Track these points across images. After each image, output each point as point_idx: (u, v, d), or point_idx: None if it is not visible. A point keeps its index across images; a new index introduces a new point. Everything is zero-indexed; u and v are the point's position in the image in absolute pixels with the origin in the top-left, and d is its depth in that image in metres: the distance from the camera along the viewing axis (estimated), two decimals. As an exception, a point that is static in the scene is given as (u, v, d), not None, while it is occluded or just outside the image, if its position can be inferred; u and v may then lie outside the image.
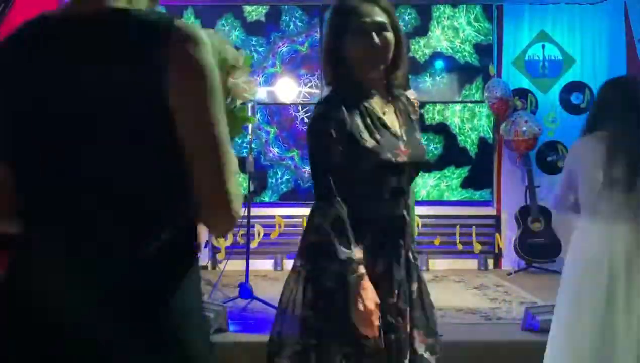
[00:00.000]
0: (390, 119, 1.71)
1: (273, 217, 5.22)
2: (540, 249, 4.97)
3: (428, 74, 5.38)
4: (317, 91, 5.31)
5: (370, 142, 1.62)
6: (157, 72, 0.92)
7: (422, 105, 5.35)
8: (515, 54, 5.38)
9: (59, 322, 0.93)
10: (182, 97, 0.93)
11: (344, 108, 1.63)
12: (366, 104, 1.68)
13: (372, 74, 1.69)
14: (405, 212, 1.70)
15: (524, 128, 4.99)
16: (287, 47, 5.36)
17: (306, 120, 5.24)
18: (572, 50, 5.36)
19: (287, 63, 5.33)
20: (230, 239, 5.18)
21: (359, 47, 1.65)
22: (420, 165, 1.79)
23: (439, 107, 5.38)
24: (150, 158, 0.95)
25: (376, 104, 1.70)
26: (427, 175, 5.35)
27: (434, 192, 5.39)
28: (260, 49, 5.34)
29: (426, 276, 4.90)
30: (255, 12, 5.33)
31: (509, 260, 5.27)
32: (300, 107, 5.32)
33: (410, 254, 1.73)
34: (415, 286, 1.73)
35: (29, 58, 0.98)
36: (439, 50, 5.37)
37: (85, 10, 0.98)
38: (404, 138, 1.70)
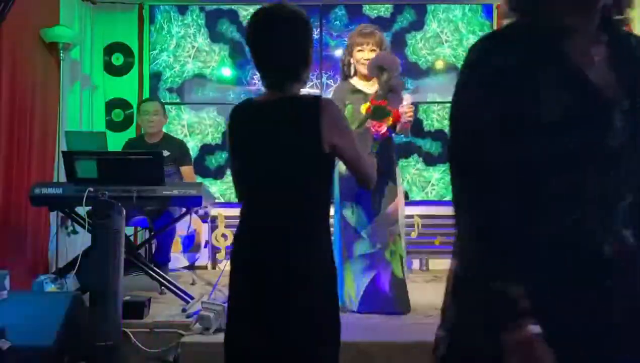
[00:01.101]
0: (601, 73, 1.06)
1: (273, 217, 5.22)
2: (540, 249, 4.97)
3: (427, 75, 5.38)
4: (318, 91, 5.31)
5: (553, 111, 1.01)
6: (318, 125, 1.69)
7: (417, 106, 5.36)
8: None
9: (258, 255, 1.74)
10: (335, 136, 1.72)
11: (520, 49, 1.04)
12: (563, 47, 1.06)
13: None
14: (625, 234, 1.03)
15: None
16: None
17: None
18: (572, 50, 5.37)
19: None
20: (230, 239, 5.19)
21: None
22: None
23: (437, 114, 5.36)
24: (314, 175, 1.75)
25: (579, 46, 1.07)
26: (431, 168, 5.35)
27: (439, 184, 5.38)
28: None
29: (426, 276, 4.89)
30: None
31: (509, 260, 5.27)
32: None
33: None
34: None
35: (250, 121, 1.81)
36: (437, 50, 5.37)
37: (277, 96, 1.78)
38: (624, 106, 1.04)
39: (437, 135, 5.37)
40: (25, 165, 4.06)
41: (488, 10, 5.37)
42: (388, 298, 3.57)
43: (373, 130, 3.25)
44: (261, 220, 1.76)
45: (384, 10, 5.37)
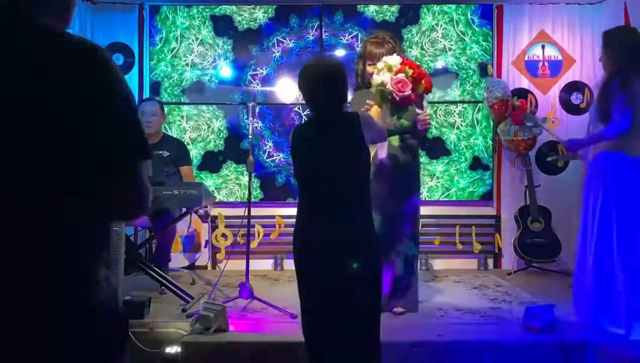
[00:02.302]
0: None
1: (273, 217, 5.22)
2: (540, 249, 4.97)
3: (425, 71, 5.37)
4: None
5: None
6: (360, 130, 2.45)
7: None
8: (515, 54, 5.39)
9: (320, 235, 2.43)
10: (369, 133, 2.49)
11: None
12: None
13: None
14: None
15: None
16: (290, 44, 5.36)
17: (305, 119, 5.24)
18: (572, 50, 5.36)
19: (285, 65, 5.33)
20: (230, 239, 5.19)
21: None
22: None
23: (436, 121, 5.35)
24: (360, 166, 2.47)
25: None
26: (435, 161, 5.36)
27: (444, 177, 5.40)
28: (257, 53, 5.35)
29: (426, 276, 4.91)
30: (248, 18, 5.35)
31: (509, 260, 5.27)
32: (299, 108, 5.32)
33: None
34: None
35: (307, 137, 2.51)
36: (438, 51, 5.37)
37: (327, 116, 2.49)
38: None
39: (434, 142, 5.38)
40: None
41: (487, 11, 5.36)
42: (385, 297, 3.58)
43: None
44: (328, 204, 2.41)
45: (390, 14, 5.36)
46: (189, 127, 5.34)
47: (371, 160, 3.44)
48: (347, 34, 5.35)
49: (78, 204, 1.05)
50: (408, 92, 3.22)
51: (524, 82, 5.37)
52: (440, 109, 5.38)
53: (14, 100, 1.01)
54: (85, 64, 1.05)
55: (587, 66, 5.31)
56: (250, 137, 3.93)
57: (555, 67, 5.37)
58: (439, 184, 5.39)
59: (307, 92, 2.51)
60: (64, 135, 1.01)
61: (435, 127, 5.35)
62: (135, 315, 3.25)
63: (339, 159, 2.42)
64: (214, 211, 5.14)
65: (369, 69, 3.49)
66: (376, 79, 3.28)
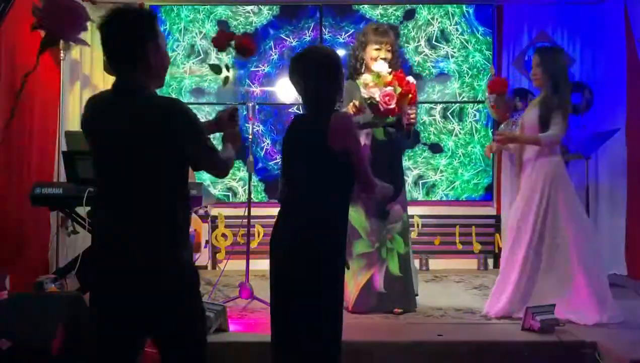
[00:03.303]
0: None
1: (273, 217, 5.18)
2: (540, 249, 4.95)
3: (427, 76, 5.38)
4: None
5: None
6: (327, 133, 2.23)
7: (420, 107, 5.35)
8: (515, 54, 5.38)
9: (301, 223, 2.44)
10: (341, 139, 2.27)
11: None
12: None
13: None
14: None
15: (524, 128, 4.98)
16: (293, 43, 5.36)
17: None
18: (572, 51, 5.36)
19: (284, 66, 5.33)
20: (230, 239, 5.19)
21: None
22: None
23: (435, 127, 5.38)
24: (332, 171, 2.30)
25: None
26: (438, 155, 5.39)
27: (447, 170, 5.42)
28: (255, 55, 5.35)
29: (426, 276, 4.91)
30: (244, 22, 5.35)
31: (509, 260, 5.26)
32: (298, 108, 5.32)
33: None
34: None
35: (289, 134, 2.43)
36: (439, 51, 5.37)
37: (312, 115, 2.37)
38: None
39: (432, 147, 5.39)
40: (25, 165, 4.06)
41: (486, 14, 5.36)
42: (382, 297, 3.59)
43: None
44: (299, 201, 2.41)
45: (394, 18, 5.36)
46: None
47: None
48: (343, 33, 5.35)
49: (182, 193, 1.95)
50: (392, 105, 3.45)
51: (524, 82, 5.36)
52: (440, 106, 5.38)
53: (141, 142, 1.81)
54: (174, 117, 1.82)
55: (587, 66, 5.30)
56: (250, 137, 3.92)
57: (555, 67, 5.36)
58: (444, 178, 5.39)
59: (297, 84, 2.40)
60: (176, 155, 1.85)
61: (433, 133, 5.37)
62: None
63: (310, 159, 2.31)
64: (214, 211, 5.14)
65: (373, 53, 3.60)
66: (365, 93, 3.52)
